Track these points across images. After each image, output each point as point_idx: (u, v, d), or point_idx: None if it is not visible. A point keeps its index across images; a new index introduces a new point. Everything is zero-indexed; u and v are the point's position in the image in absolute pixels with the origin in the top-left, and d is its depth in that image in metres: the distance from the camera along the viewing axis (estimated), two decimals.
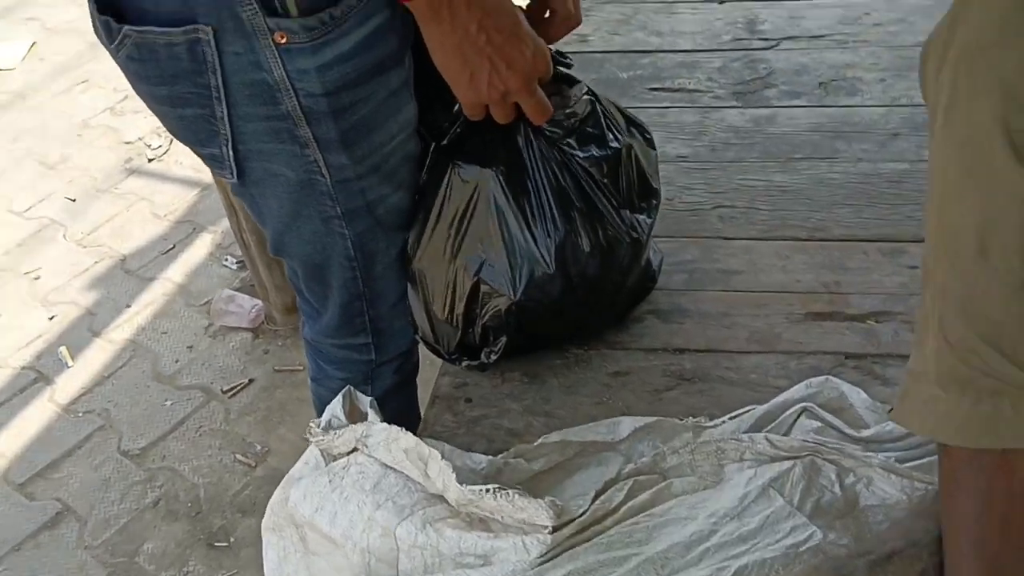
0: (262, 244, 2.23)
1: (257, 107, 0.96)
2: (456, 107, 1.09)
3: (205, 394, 2.25)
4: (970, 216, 0.64)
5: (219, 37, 0.91)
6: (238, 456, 2.09)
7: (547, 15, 1.07)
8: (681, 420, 1.03)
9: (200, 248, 2.72)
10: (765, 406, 1.02)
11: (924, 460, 0.92)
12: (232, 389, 2.24)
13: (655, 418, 1.03)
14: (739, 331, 1.19)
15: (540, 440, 1.02)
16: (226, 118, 0.97)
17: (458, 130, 1.08)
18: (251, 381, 2.27)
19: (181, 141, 1.04)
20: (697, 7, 1.92)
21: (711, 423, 1.01)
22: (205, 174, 2.94)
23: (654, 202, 1.14)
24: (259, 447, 2.10)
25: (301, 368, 2.28)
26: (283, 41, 0.91)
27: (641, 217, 1.10)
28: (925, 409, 0.69)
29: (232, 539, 1.92)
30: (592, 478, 0.99)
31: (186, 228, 2.80)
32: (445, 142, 1.09)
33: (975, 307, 0.65)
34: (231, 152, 1.00)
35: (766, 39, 1.80)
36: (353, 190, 1.04)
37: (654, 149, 1.15)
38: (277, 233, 1.10)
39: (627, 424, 1.04)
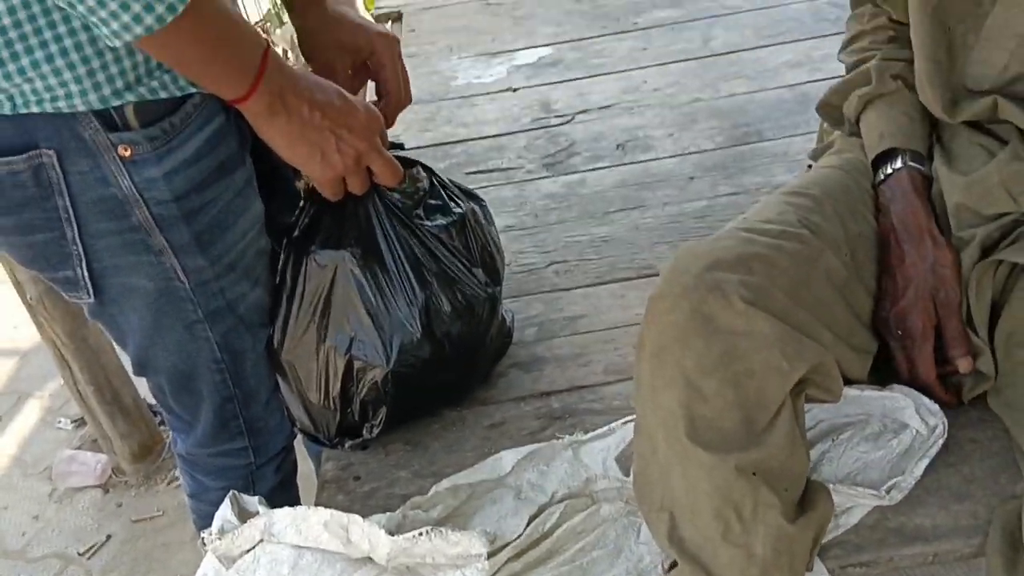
0: (102, 394, 2.16)
1: (108, 222, 0.97)
2: (300, 202, 1.14)
3: (62, 560, 2.11)
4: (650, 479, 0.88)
5: (63, 159, 0.92)
6: None
7: (380, 100, 1.15)
8: (558, 438, 1.10)
9: (29, 416, 2.57)
10: None
11: None
12: (89, 550, 2.12)
13: (533, 445, 1.10)
14: (595, 366, 1.29)
15: (432, 490, 1.06)
16: (77, 238, 0.97)
17: (306, 220, 1.13)
18: (109, 537, 2.15)
19: (31, 268, 1.04)
20: (494, 96, 2.06)
21: (586, 436, 1.09)
22: (20, 341, 2.81)
23: (500, 260, 1.22)
24: None
25: (160, 513, 2.19)
26: (127, 154, 0.93)
27: (493, 275, 1.19)
28: None
29: None
30: (491, 517, 1.04)
31: (9, 399, 2.65)
32: (296, 234, 1.13)
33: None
34: (86, 272, 1.00)
35: (561, 115, 1.96)
36: (213, 291, 1.07)
37: (489, 211, 1.25)
38: (140, 349, 1.11)
39: (508, 457, 1.10)
